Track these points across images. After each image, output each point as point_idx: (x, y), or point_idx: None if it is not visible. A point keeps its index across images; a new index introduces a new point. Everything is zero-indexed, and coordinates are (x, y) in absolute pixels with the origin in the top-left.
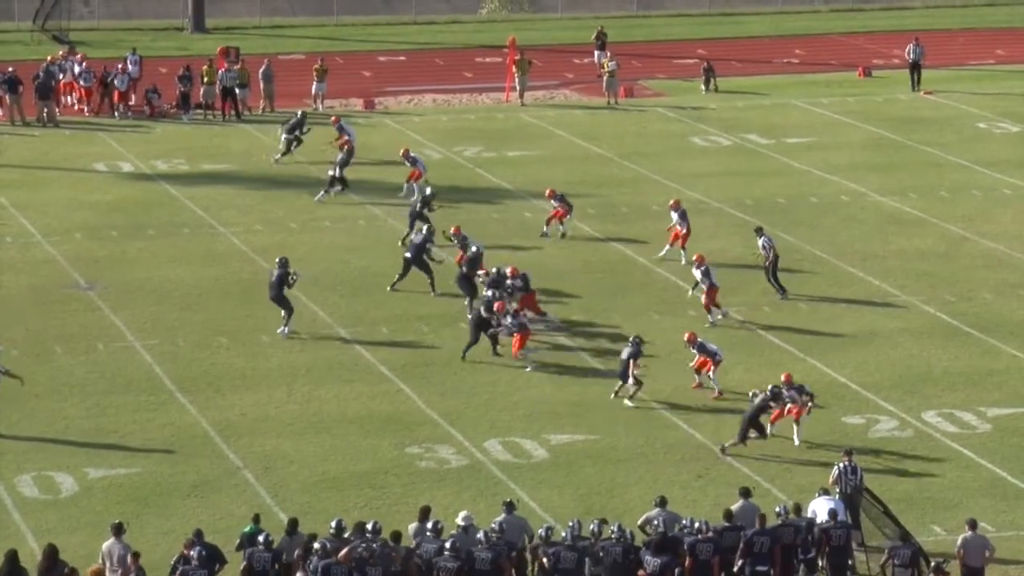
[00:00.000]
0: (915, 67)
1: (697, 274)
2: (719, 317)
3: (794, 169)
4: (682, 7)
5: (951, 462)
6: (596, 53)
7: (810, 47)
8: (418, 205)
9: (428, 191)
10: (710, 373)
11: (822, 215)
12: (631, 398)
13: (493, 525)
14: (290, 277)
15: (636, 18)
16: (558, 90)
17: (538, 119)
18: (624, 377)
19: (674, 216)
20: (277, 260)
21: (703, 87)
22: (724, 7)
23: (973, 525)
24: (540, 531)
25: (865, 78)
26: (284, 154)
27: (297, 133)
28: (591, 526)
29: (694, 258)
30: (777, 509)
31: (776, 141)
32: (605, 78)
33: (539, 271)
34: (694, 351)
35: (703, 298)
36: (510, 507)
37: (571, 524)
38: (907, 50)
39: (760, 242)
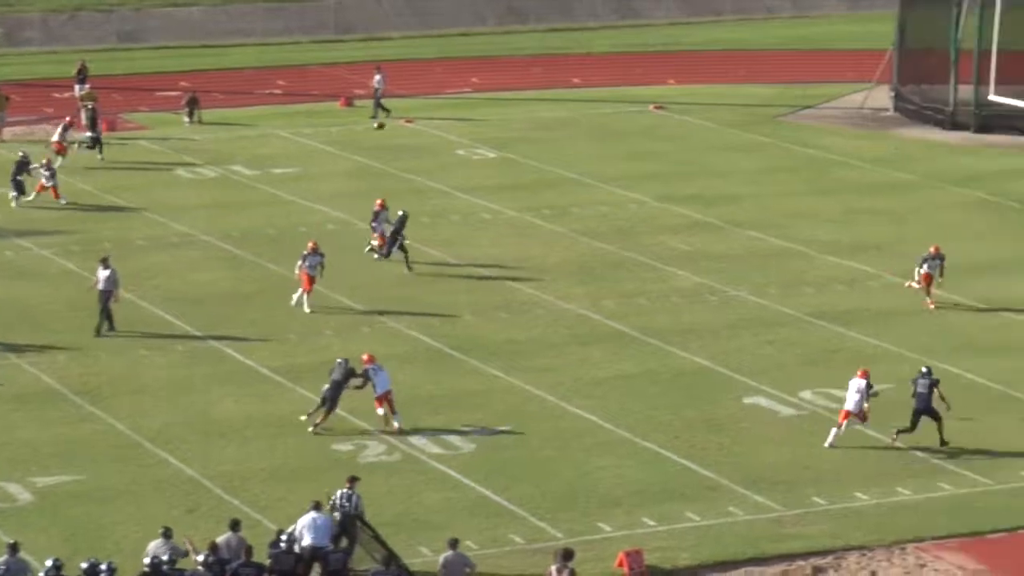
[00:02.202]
0: (378, 97)
1: None
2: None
3: (281, 199)
4: (163, 40)
5: (438, 483)
6: (76, 87)
7: (292, 78)
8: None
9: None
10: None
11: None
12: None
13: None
14: None
15: (117, 51)
16: (38, 125)
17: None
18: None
19: None
20: None
21: (187, 119)
22: (205, 39)
23: (454, 544)
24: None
25: (347, 107)
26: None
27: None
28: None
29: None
30: (283, 536)
31: (262, 172)
32: (84, 111)
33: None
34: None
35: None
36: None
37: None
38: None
39: (105, 274)
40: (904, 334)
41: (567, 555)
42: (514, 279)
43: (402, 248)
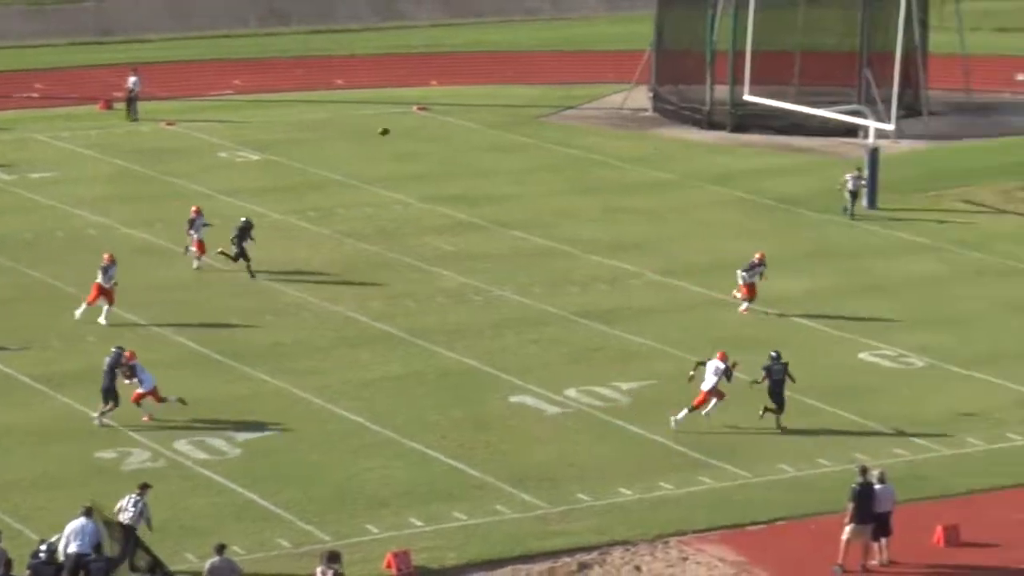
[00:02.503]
0: (133, 99)
1: None
2: None
3: (40, 204)
4: None
5: (204, 489)
6: None
7: (50, 81)
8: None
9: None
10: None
11: (70, 250)
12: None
13: None
14: None
15: None
16: None
17: None
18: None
19: None
20: None
21: None
22: None
23: (220, 550)
24: None
25: (107, 110)
26: None
27: None
28: None
29: None
30: (43, 547)
31: (20, 176)
32: None
33: None
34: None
35: None
36: None
37: None
38: (129, 82)
39: None
40: (665, 331)
41: (333, 557)
42: (280, 282)
43: (242, 254)
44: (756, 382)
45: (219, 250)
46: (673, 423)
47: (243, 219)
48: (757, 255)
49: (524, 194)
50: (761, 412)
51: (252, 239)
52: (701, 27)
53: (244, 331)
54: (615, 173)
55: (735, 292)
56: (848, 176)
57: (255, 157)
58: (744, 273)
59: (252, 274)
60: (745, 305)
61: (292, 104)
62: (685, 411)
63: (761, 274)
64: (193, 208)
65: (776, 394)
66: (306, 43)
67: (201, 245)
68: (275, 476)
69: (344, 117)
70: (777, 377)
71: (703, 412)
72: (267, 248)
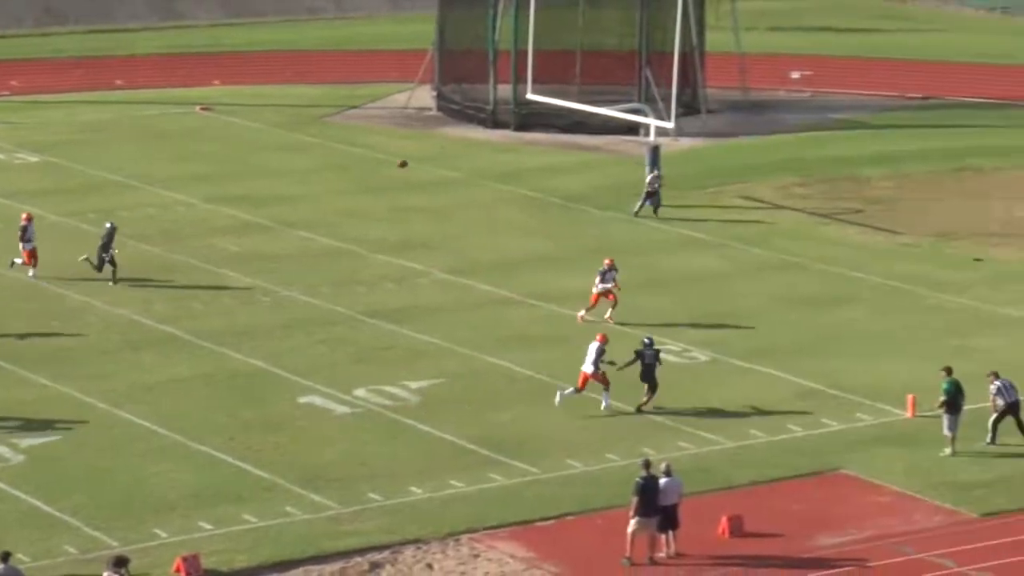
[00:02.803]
0: None
1: None
2: None
3: None
4: None
5: None
6: None
7: None
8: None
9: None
10: None
11: None
12: None
13: None
14: None
15: None
16: None
17: None
18: None
19: None
20: None
21: None
22: None
23: (5, 557)
24: None
25: None
26: None
27: None
28: None
29: None
30: None
31: None
32: None
33: None
34: None
35: None
36: None
37: None
38: None
39: None
40: (453, 329)
41: (119, 562)
42: (63, 285)
43: (111, 262)
44: (622, 367)
45: (83, 257)
46: (559, 398)
47: (108, 224)
48: (606, 261)
49: (309, 194)
50: (641, 404)
51: (113, 249)
52: (483, 26)
53: (27, 335)
54: (401, 172)
55: (583, 312)
56: (649, 176)
57: (34, 159)
58: (600, 279)
59: (115, 281)
60: (608, 312)
61: (71, 105)
62: (570, 390)
63: (614, 279)
64: (24, 215)
65: (649, 377)
66: (84, 43)
67: (31, 255)
68: (60, 482)
69: (125, 118)
70: (648, 362)
71: (559, 398)
72: (48, 251)
